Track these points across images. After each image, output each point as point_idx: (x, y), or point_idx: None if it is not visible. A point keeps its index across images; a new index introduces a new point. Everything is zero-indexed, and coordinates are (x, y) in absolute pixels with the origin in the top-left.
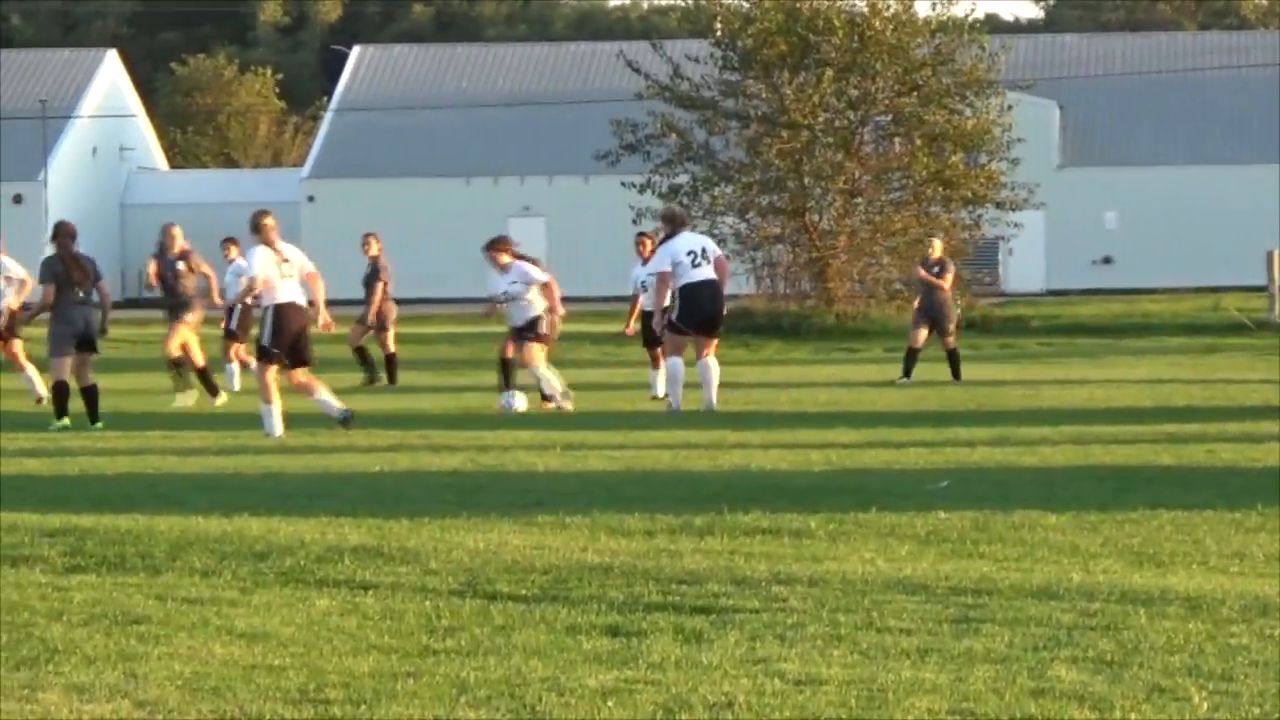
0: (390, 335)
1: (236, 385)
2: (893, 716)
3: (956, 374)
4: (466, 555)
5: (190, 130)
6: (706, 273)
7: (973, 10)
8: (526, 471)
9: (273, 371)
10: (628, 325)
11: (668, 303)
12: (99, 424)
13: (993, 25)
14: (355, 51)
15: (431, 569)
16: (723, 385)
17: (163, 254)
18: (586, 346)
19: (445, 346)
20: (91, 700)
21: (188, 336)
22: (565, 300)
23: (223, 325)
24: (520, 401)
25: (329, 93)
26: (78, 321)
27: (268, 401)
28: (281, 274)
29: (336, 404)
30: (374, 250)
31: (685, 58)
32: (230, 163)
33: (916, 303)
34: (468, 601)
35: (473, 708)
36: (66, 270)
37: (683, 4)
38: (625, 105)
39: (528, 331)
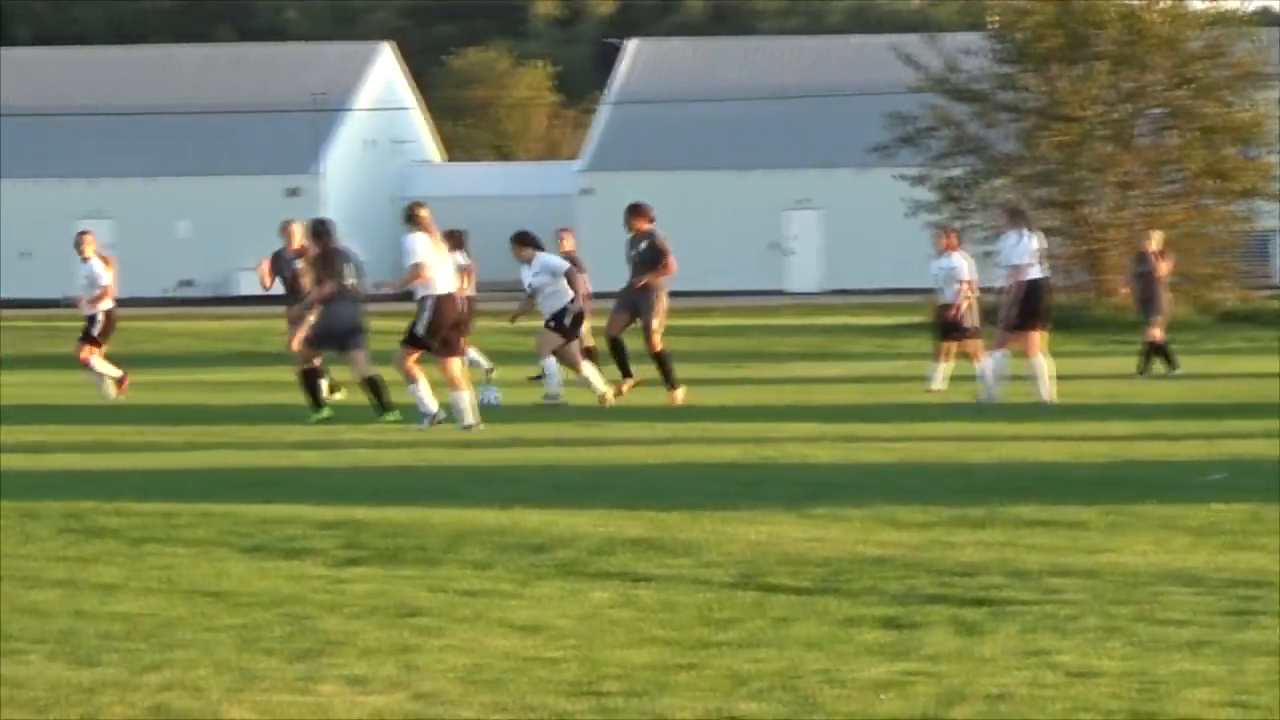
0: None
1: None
2: (1169, 709)
3: (1143, 369)
4: (743, 547)
5: (465, 123)
6: (1043, 270)
7: (1246, 3)
8: (803, 463)
9: (415, 357)
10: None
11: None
12: (391, 415)
13: (1267, 18)
14: (630, 45)
15: (708, 561)
16: (1002, 379)
17: (281, 252)
18: (863, 339)
19: (722, 339)
20: (369, 692)
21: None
22: (843, 293)
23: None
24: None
25: (604, 86)
26: (339, 316)
27: (414, 380)
28: (441, 264)
29: (432, 405)
30: (568, 246)
31: (959, 51)
32: (505, 155)
33: (1134, 293)
34: (745, 594)
35: (750, 700)
36: (330, 264)
37: None
38: (898, 98)
39: (551, 321)
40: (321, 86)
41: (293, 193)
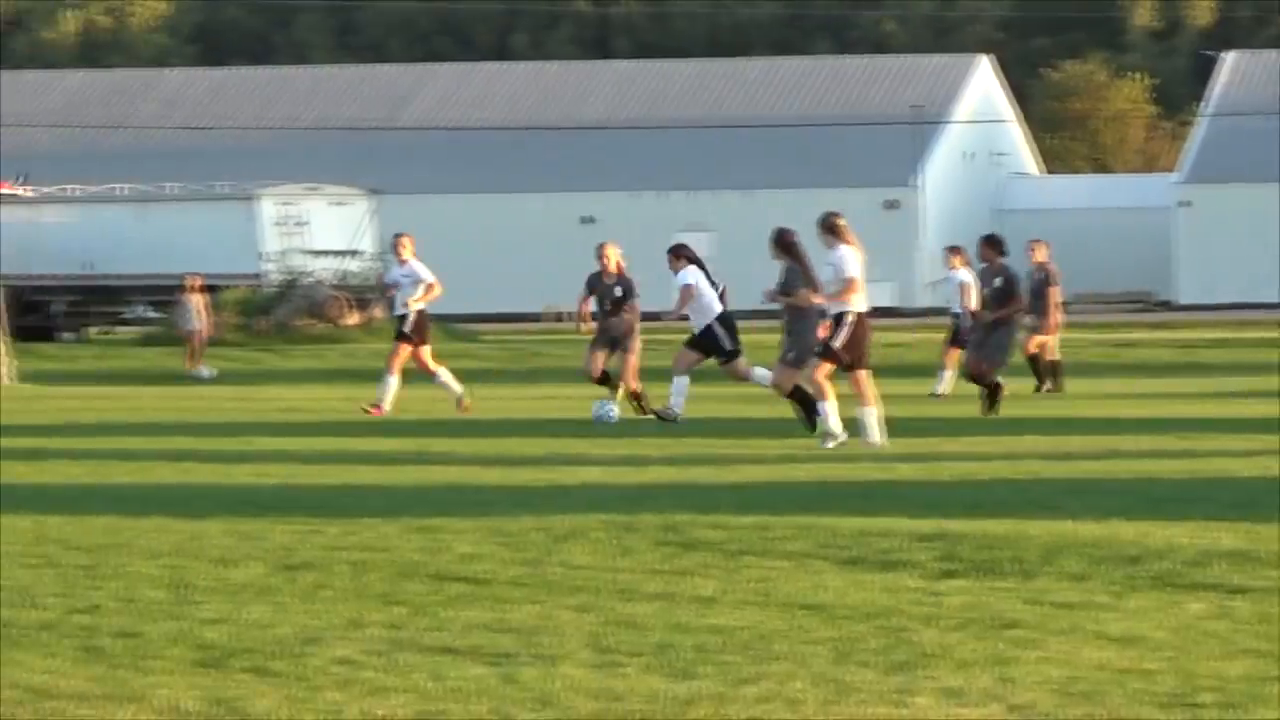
0: (1053, 341)
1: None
2: None
3: None
4: None
5: (1063, 135)
6: None
7: None
8: None
9: (828, 370)
10: None
11: None
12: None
13: None
14: (1228, 57)
15: None
16: None
17: (597, 276)
18: None
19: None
20: (964, 704)
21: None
22: None
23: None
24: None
25: (1201, 98)
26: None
27: (824, 397)
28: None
29: (837, 426)
30: (1041, 256)
31: None
32: (1102, 168)
33: None
34: None
35: None
36: (809, 275)
37: None
38: None
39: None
40: (920, 99)
41: (891, 205)
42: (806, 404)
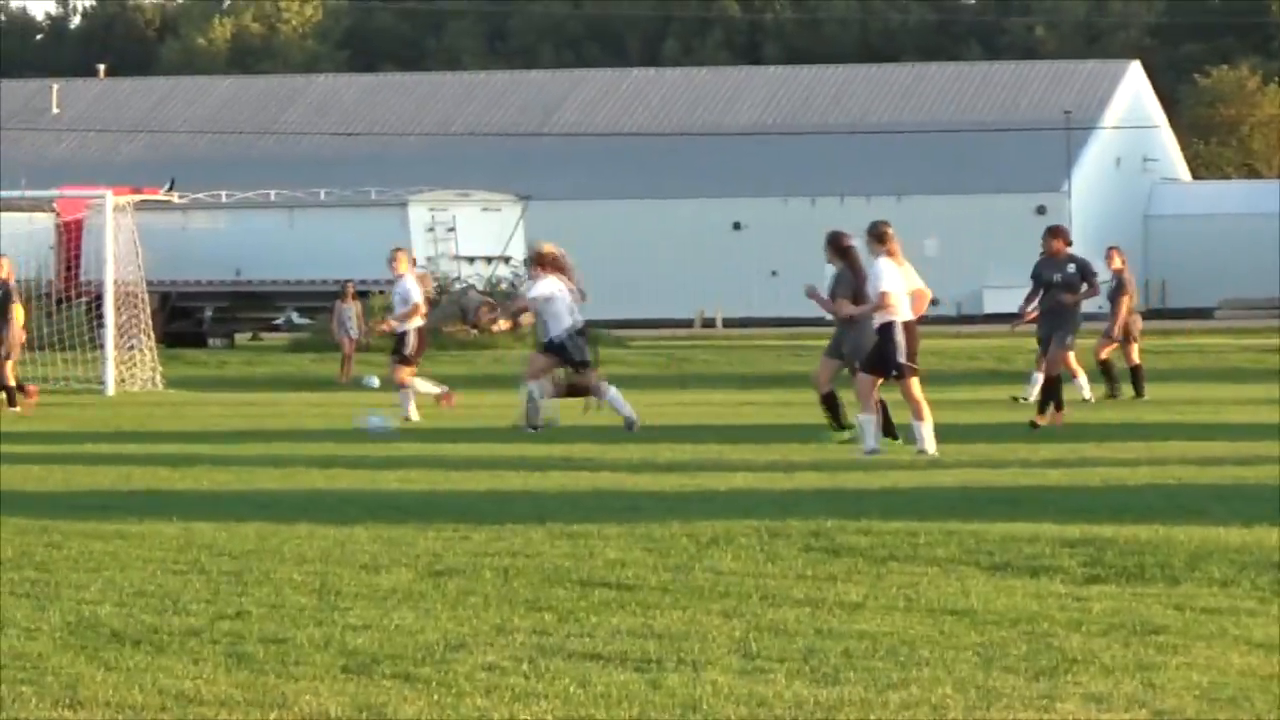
0: (1135, 348)
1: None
2: None
3: None
4: None
5: (1212, 141)
6: None
7: None
8: None
9: (878, 384)
10: None
11: None
12: (844, 433)
13: None
14: None
15: None
16: None
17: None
18: None
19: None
20: (1109, 710)
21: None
22: None
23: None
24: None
25: None
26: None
27: (870, 411)
28: (904, 289)
29: (874, 442)
30: (1117, 264)
31: None
32: (1253, 174)
33: None
34: None
35: None
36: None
37: None
38: None
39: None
40: (1070, 104)
41: (1041, 210)
42: (835, 414)
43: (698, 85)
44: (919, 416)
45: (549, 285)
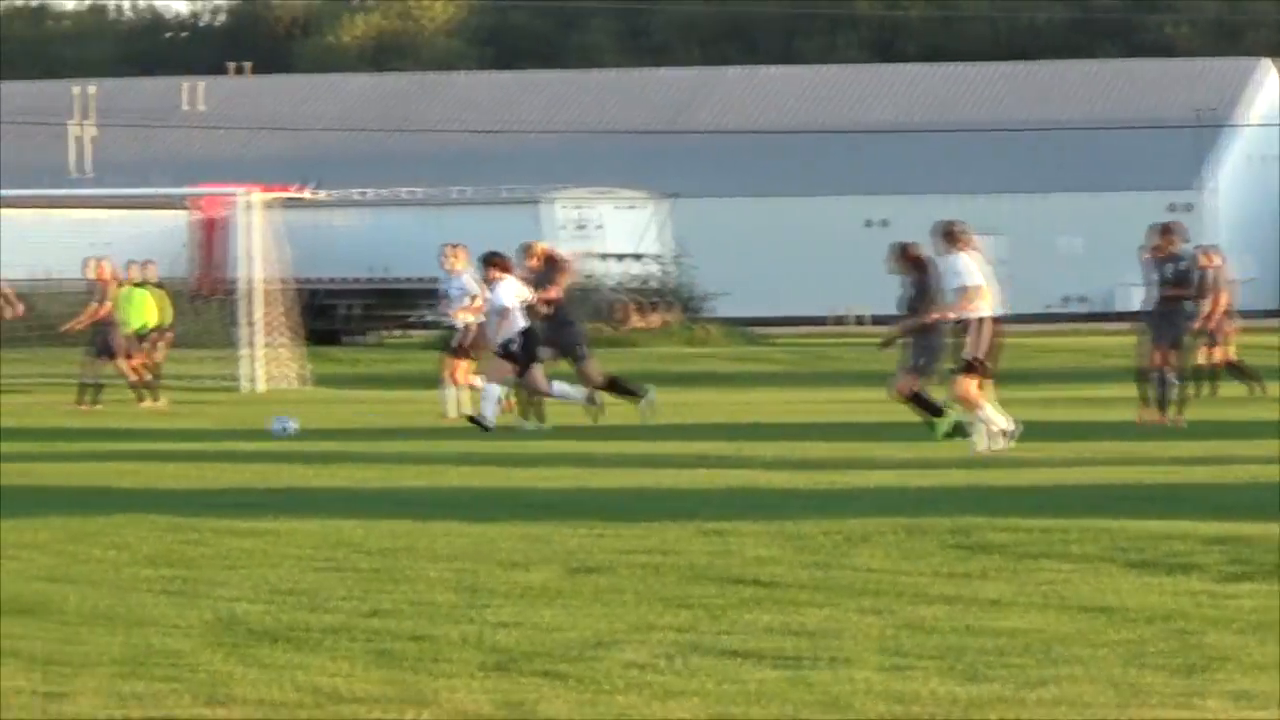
0: (1220, 350)
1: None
2: None
3: None
4: None
5: None
6: None
7: None
8: None
9: (975, 383)
10: None
11: None
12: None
13: None
14: None
15: None
16: None
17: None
18: None
19: None
20: (1254, 707)
21: None
22: None
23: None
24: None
25: None
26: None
27: (978, 407)
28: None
29: (1004, 422)
30: (1216, 262)
31: None
32: None
33: None
34: None
35: None
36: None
37: None
38: None
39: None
40: (1206, 102)
41: (1180, 208)
42: (929, 407)
43: (834, 82)
44: (974, 407)
45: (510, 293)
